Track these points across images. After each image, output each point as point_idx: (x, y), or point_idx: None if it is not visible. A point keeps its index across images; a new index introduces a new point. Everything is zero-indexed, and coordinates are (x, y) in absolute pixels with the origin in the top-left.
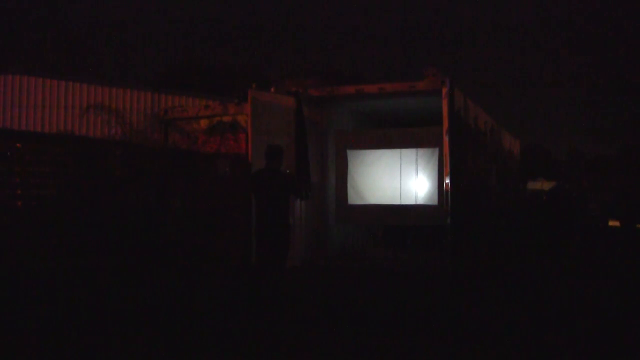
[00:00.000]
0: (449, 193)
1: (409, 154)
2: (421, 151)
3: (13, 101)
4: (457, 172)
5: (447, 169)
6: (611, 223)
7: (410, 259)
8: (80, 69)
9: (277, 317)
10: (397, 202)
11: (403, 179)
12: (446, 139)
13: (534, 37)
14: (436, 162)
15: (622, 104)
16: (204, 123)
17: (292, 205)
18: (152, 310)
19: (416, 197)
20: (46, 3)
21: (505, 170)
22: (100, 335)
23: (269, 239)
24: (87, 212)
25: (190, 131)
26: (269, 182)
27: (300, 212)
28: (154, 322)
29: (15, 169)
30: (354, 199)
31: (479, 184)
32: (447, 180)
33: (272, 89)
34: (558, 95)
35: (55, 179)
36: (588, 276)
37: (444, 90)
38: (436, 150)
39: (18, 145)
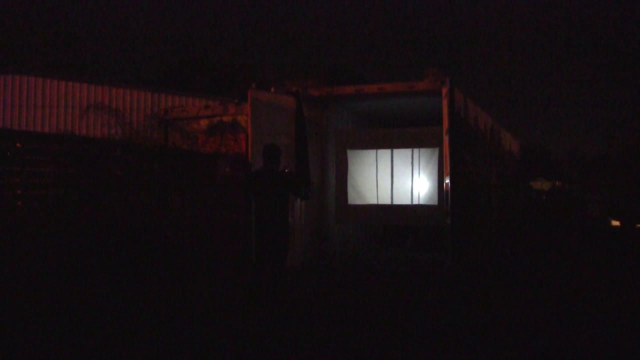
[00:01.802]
0: (449, 193)
1: (408, 154)
2: (421, 151)
3: (13, 101)
4: (457, 172)
5: (447, 169)
6: (612, 223)
7: (410, 259)
8: (80, 69)
9: (277, 317)
10: (397, 202)
11: (403, 179)
12: (446, 139)
13: (534, 37)
14: (436, 162)
15: (622, 103)
16: (204, 123)
17: (291, 205)
18: (152, 309)
19: (416, 197)
20: (46, 3)
21: (505, 170)
22: (99, 336)
23: (269, 238)
24: (87, 212)
25: (190, 131)
26: (267, 182)
27: (300, 212)
28: (154, 321)
29: (15, 169)
30: (354, 199)
31: (479, 184)
32: (447, 180)
33: (272, 89)
34: (558, 95)
35: (56, 179)
36: (588, 276)
37: (444, 90)
38: (436, 150)
39: (18, 145)
